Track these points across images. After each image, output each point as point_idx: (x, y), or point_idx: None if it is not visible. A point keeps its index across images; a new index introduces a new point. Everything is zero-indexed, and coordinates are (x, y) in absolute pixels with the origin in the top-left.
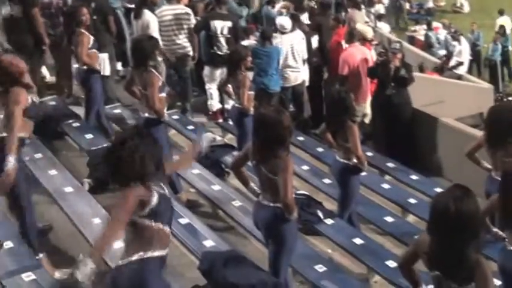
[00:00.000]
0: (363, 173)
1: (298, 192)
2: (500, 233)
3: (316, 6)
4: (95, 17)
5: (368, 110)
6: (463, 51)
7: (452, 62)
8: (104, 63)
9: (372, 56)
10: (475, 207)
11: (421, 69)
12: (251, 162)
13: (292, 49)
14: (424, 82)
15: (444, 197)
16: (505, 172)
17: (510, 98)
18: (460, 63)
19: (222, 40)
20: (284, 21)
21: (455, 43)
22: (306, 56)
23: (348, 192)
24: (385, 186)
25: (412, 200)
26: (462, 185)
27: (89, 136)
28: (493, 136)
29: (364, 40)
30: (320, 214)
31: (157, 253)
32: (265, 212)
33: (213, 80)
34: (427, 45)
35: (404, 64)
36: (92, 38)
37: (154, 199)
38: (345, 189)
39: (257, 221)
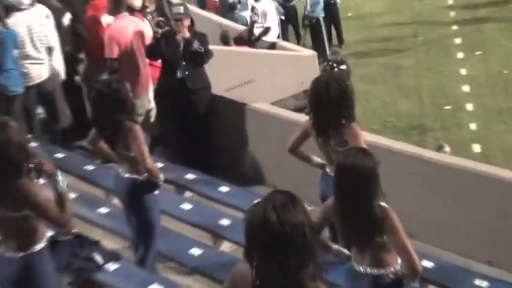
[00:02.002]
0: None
1: None
2: (343, 250)
3: None
4: None
5: (153, 103)
6: (267, 12)
7: (256, 30)
8: None
9: (149, 29)
10: (303, 217)
11: (225, 40)
12: None
13: (31, 33)
14: (227, 58)
15: (260, 208)
16: (339, 165)
17: (342, 67)
18: (267, 29)
19: None
20: None
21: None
22: (53, 42)
23: (145, 220)
24: (186, 206)
25: (224, 221)
26: (283, 190)
27: None
28: (319, 118)
29: (132, 10)
30: (98, 258)
31: None
32: (10, 266)
33: None
34: (228, 7)
35: (195, 34)
36: None
37: None
38: (140, 215)
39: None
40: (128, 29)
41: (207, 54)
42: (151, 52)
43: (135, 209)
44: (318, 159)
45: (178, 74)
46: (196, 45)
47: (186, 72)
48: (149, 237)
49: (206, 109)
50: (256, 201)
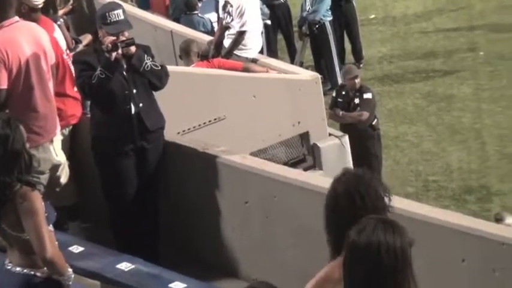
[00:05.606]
0: None
1: None
2: None
3: None
4: None
5: (62, 156)
6: (244, 10)
7: (226, 40)
8: None
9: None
10: None
11: (186, 56)
12: None
13: None
14: (181, 83)
15: None
16: (348, 246)
17: (367, 96)
18: (241, 34)
19: None
20: None
21: None
22: None
23: None
24: None
25: None
26: (264, 282)
27: None
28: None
29: (31, 12)
30: None
31: None
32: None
33: None
34: (184, 7)
35: (138, 46)
36: None
37: None
38: None
39: None
40: (20, 41)
41: (165, 73)
42: (97, 92)
43: None
44: None
45: (133, 109)
46: (149, 61)
47: (140, 105)
48: None
49: (159, 161)
50: None
